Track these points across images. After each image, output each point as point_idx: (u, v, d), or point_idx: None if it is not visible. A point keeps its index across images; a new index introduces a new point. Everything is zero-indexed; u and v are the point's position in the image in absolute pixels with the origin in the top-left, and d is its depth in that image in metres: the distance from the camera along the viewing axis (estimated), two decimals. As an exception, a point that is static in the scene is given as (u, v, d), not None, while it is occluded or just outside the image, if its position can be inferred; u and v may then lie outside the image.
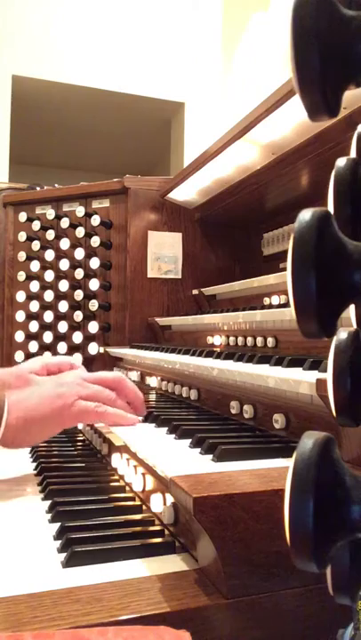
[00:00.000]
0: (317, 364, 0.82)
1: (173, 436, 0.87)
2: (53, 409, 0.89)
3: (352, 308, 0.36)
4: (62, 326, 2.13)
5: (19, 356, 2.22)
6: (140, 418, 0.99)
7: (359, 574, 0.35)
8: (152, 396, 1.35)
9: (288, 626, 0.57)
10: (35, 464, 1.03)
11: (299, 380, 0.76)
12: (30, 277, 2.23)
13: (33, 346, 2.21)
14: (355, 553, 0.35)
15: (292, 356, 0.94)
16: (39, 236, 2.23)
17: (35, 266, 2.21)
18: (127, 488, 0.88)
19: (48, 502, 0.81)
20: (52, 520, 0.75)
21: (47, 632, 0.46)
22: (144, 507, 0.80)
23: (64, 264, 2.16)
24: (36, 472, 0.99)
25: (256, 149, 1.49)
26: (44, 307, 2.21)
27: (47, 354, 2.17)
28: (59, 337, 2.17)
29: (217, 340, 1.51)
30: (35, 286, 2.23)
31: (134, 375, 1.66)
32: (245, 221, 2.06)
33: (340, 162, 0.37)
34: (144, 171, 3.08)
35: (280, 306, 1.37)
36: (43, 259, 2.22)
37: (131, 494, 0.85)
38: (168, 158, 5.86)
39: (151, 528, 0.72)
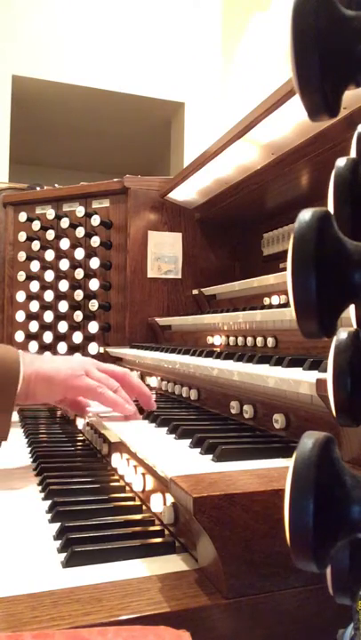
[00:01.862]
0: (317, 364, 0.82)
1: (173, 435, 0.87)
2: (62, 374, 0.98)
3: (352, 308, 0.36)
4: (62, 326, 2.13)
5: (19, 355, 2.21)
6: (134, 409, 1.04)
7: (359, 574, 0.35)
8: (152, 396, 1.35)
9: (288, 626, 0.57)
10: (35, 464, 1.03)
11: (299, 380, 0.76)
12: (30, 277, 2.23)
13: (33, 346, 2.21)
14: (355, 553, 0.35)
15: (292, 356, 0.94)
16: (39, 236, 2.23)
17: (35, 266, 2.21)
18: (127, 488, 0.88)
19: (48, 502, 0.81)
20: (52, 520, 0.75)
21: (47, 632, 0.46)
22: (144, 507, 0.80)
23: (64, 264, 2.16)
24: (36, 472, 0.99)
25: (256, 149, 1.49)
26: (44, 307, 2.21)
27: (47, 354, 2.17)
28: (59, 337, 2.17)
29: (217, 339, 1.51)
30: (35, 286, 2.23)
31: (134, 375, 1.65)
32: (245, 221, 2.06)
33: (340, 162, 0.37)
34: (144, 171, 3.07)
35: (280, 306, 1.37)
36: (43, 259, 2.22)
37: (131, 494, 0.85)
38: (168, 158, 5.86)
39: (151, 528, 0.72)
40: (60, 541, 0.67)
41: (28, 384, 0.96)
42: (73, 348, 2.13)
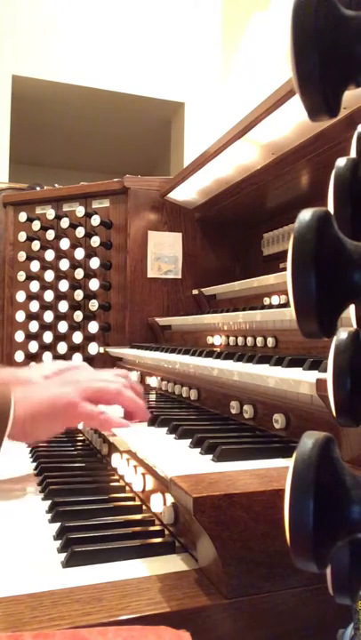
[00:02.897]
0: (317, 364, 0.82)
1: (173, 435, 0.87)
2: (58, 407, 0.92)
3: (352, 308, 0.36)
4: (62, 326, 2.13)
5: (19, 356, 2.22)
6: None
7: (359, 574, 0.35)
8: (152, 396, 1.35)
9: (288, 626, 0.57)
10: (35, 464, 1.03)
11: (299, 380, 0.76)
12: (30, 277, 2.23)
13: (33, 346, 2.21)
14: (355, 553, 0.35)
15: (292, 356, 0.94)
16: (39, 236, 2.23)
17: (35, 266, 2.21)
18: (127, 488, 0.88)
19: (48, 502, 0.81)
20: (52, 520, 0.75)
21: (47, 632, 0.46)
22: (144, 507, 0.80)
23: (64, 264, 2.16)
24: (36, 472, 0.99)
25: (256, 149, 1.49)
26: (44, 307, 2.21)
27: (47, 354, 2.17)
28: (59, 337, 2.16)
29: (217, 339, 1.51)
30: (35, 286, 2.23)
31: (134, 375, 1.66)
32: (245, 221, 2.05)
33: (340, 162, 0.37)
34: (144, 171, 3.08)
35: (280, 306, 1.37)
36: (43, 259, 2.22)
37: (131, 494, 0.85)
38: (168, 158, 5.85)
39: (151, 528, 0.72)
40: (60, 541, 0.67)
41: (24, 425, 0.89)
42: (73, 348, 2.13)
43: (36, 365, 1.07)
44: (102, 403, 0.97)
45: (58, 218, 2.19)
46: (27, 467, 1.03)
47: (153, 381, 1.52)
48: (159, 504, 0.74)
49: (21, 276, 2.24)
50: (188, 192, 1.96)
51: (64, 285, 2.15)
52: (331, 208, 0.36)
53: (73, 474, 0.96)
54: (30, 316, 2.22)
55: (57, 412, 0.92)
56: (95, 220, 2.09)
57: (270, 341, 1.22)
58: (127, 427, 0.95)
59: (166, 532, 0.71)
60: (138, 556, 0.64)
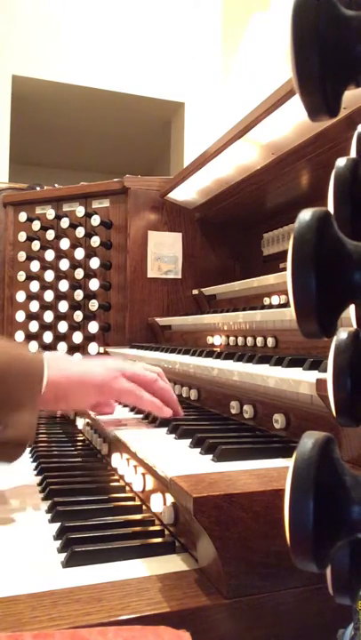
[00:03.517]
0: (317, 364, 0.82)
1: (173, 435, 0.87)
2: (98, 376, 0.93)
3: (352, 308, 0.36)
4: (62, 326, 2.13)
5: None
6: (170, 411, 0.99)
7: (359, 574, 0.35)
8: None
9: (288, 626, 0.57)
10: (35, 464, 1.03)
11: (299, 380, 0.76)
12: (30, 277, 2.23)
13: (33, 346, 2.21)
14: (355, 553, 0.35)
15: (292, 356, 0.94)
16: (39, 236, 2.23)
17: (35, 266, 2.21)
18: (127, 488, 0.88)
19: (48, 502, 0.80)
20: (52, 520, 0.75)
21: (47, 632, 0.46)
22: (144, 507, 0.80)
23: (64, 264, 2.16)
24: (36, 472, 0.99)
25: (256, 149, 1.49)
26: (44, 307, 2.21)
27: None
28: (59, 337, 2.17)
29: (217, 340, 1.51)
30: (35, 286, 2.23)
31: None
32: (245, 221, 2.05)
33: (340, 162, 0.37)
34: (144, 171, 3.08)
35: (280, 306, 1.37)
36: (43, 259, 2.22)
37: (131, 494, 0.85)
38: (168, 158, 5.85)
39: (151, 528, 0.72)
40: (60, 541, 0.67)
41: (58, 388, 0.89)
42: (73, 348, 2.13)
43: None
44: (141, 382, 0.97)
45: (58, 218, 2.19)
46: (27, 467, 1.03)
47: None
48: (159, 504, 0.74)
49: (21, 276, 2.24)
50: (188, 192, 1.96)
51: (64, 285, 2.15)
52: (331, 208, 0.36)
53: (73, 474, 0.96)
54: (30, 316, 2.22)
55: (97, 380, 0.93)
56: (95, 220, 2.09)
57: (270, 341, 1.22)
58: (160, 408, 0.96)
59: (166, 532, 0.71)
60: (138, 556, 0.64)
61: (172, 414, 0.99)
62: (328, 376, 0.36)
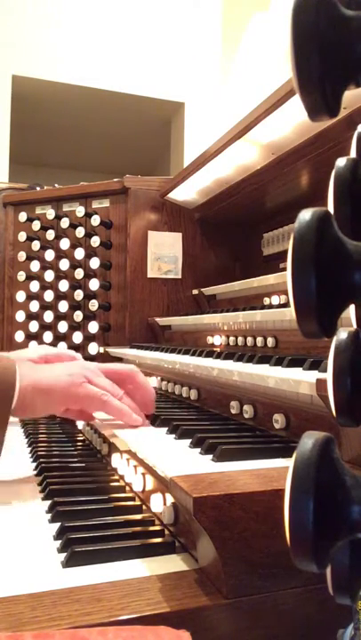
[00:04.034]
0: (317, 364, 0.82)
1: (173, 435, 0.87)
2: (61, 383, 0.89)
3: (352, 307, 0.36)
4: (62, 326, 2.13)
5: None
6: (143, 421, 0.96)
7: (359, 574, 0.35)
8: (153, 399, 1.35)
9: (288, 626, 0.57)
10: (35, 464, 1.03)
11: (299, 380, 0.76)
12: (30, 277, 2.23)
13: (33, 346, 2.21)
14: (355, 553, 0.35)
15: (292, 356, 0.94)
16: (39, 236, 2.23)
17: (35, 266, 2.21)
18: (127, 488, 0.88)
19: (48, 502, 0.80)
20: (52, 520, 0.75)
21: (47, 632, 0.45)
22: (144, 507, 0.80)
23: (64, 264, 2.16)
24: (36, 472, 0.99)
25: (256, 149, 1.49)
26: (44, 307, 2.21)
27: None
28: (59, 337, 2.17)
29: (217, 339, 1.51)
30: (35, 286, 2.23)
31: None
32: (245, 221, 2.05)
33: (340, 162, 0.37)
34: (144, 171, 3.07)
35: (280, 306, 1.37)
36: (43, 259, 2.22)
37: (131, 494, 0.85)
38: (168, 158, 5.86)
39: (151, 528, 0.72)
40: (59, 541, 0.67)
41: (24, 398, 0.86)
42: (73, 348, 2.12)
43: (21, 350, 1.04)
44: (114, 381, 0.95)
45: (58, 218, 2.19)
46: (27, 467, 1.03)
47: (153, 381, 1.52)
48: (159, 504, 0.74)
49: (21, 276, 2.24)
50: (188, 192, 1.96)
51: (64, 285, 2.15)
52: (331, 208, 0.36)
53: (73, 474, 0.96)
54: (30, 316, 2.22)
55: (60, 387, 0.89)
56: (95, 220, 2.09)
57: (270, 341, 1.22)
58: (127, 415, 0.92)
59: (166, 531, 0.71)
60: (138, 555, 0.64)
61: (143, 421, 0.95)
62: (328, 376, 0.36)
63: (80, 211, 2.14)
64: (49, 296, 2.21)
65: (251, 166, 1.59)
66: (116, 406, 0.92)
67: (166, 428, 0.92)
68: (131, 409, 0.95)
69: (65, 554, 0.63)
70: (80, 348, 2.11)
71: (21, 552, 0.66)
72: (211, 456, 0.73)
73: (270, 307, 1.40)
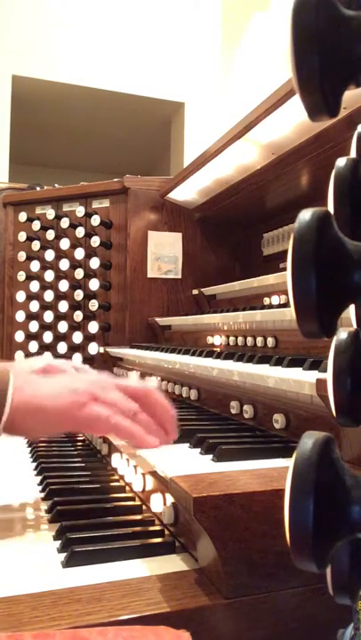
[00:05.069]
0: (317, 364, 0.82)
1: (173, 435, 0.87)
2: (61, 403, 0.73)
3: (352, 307, 0.36)
4: (62, 326, 2.13)
5: (19, 356, 2.22)
6: (155, 440, 0.76)
7: (359, 574, 0.35)
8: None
9: (288, 626, 0.57)
10: (35, 464, 1.03)
11: (299, 380, 0.76)
12: (30, 277, 2.23)
13: (33, 346, 2.21)
14: (355, 553, 0.35)
15: (292, 356, 0.94)
16: (39, 236, 2.23)
17: (35, 266, 2.21)
18: (127, 488, 0.88)
19: (48, 502, 0.80)
20: (52, 520, 0.75)
21: (47, 632, 0.45)
22: (144, 507, 0.80)
23: (64, 264, 2.16)
24: (36, 472, 0.99)
25: (256, 149, 1.49)
26: (44, 307, 2.21)
27: (47, 354, 2.17)
28: (59, 337, 2.17)
29: (217, 339, 1.51)
30: (35, 286, 2.23)
31: (134, 375, 1.66)
32: (245, 221, 2.05)
33: (340, 162, 0.37)
34: (144, 171, 3.08)
35: (280, 306, 1.37)
36: (43, 259, 2.22)
37: (131, 494, 0.85)
38: (168, 158, 5.85)
39: (151, 528, 0.72)
40: (59, 541, 0.67)
41: (15, 415, 0.70)
42: (73, 348, 2.13)
43: (27, 360, 0.92)
44: (118, 409, 0.75)
45: (58, 218, 2.19)
46: (26, 467, 1.03)
47: (153, 382, 1.52)
48: (159, 504, 0.74)
49: (21, 276, 2.24)
50: (187, 192, 1.96)
51: (64, 285, 2.15)
52: (331, 208, 0.36)
53: (73, 474, 0.96)
54: (30, 316, 2.22)
55: (58, 408, 0.73)
56: (95, 220, 2.09)
57: (270, 341, 1.22)
58: (140, 438, 0.74)
59: (166, 532, 0.71)
60: (138, 556, 0.64)
61: (161, 441, 0.76)
62: (328, 376, 0.36)
63: (80, 211, 2.14)
64: (49, 296, 2.21)
65: (251, 166, 1.59)
66: (126, 429, 0.75)
67: (166, 428, 0.91)
68: (148, 425, 0.77)
69: (65, 554, 0.63)
70: (80, 348, 2.11)
71: (21, 552, 0.66)
72: (211, 456, 0.73)
73: (270, 307, 1.40)
